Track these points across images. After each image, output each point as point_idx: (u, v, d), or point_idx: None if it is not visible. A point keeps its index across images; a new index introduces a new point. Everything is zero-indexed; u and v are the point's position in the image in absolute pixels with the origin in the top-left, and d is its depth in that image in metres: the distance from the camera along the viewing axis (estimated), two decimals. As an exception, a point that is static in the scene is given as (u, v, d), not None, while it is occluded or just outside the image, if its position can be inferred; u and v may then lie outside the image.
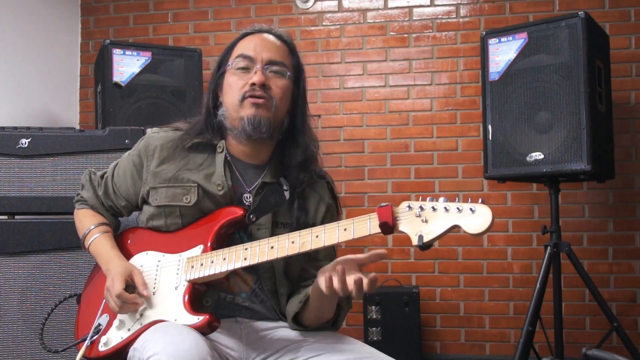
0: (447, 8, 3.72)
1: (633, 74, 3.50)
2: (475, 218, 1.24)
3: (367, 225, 1.33)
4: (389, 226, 1.29)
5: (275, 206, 1.56)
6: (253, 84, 1.53)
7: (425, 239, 1.26)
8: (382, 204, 1.31)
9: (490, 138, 2.89)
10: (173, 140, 1.63)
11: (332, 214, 1.68)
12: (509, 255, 3.55)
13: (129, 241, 1.67)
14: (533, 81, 2.80)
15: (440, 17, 3.72)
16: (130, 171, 1.66)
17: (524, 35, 2.83)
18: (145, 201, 1.64)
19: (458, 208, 1.25)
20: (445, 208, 1.26)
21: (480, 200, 1.26)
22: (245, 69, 1.57)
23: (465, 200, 1.28)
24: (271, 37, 1.61)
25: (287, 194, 1.59)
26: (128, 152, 1.72)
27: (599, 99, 2.80)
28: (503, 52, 2.88)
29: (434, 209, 1.27)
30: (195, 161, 1.60)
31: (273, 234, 1.55)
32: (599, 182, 3.08)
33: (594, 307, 2.98)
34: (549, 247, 2.78)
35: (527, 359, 2.72)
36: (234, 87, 1.57)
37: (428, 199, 1.30)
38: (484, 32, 2.97)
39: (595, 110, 2.73)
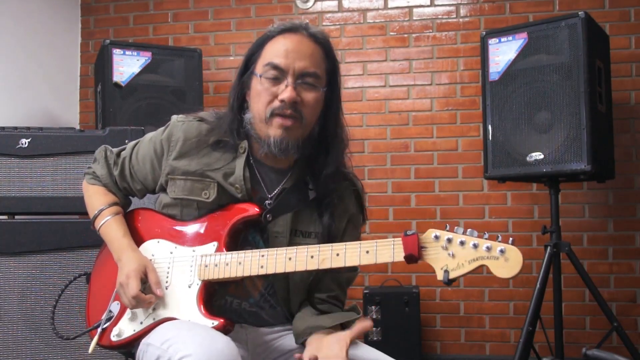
0: (447, 8, 3.72)
1: (633, 74, 3.49)
2: (505, 262, 1.22)
3: (390, 251, 1.30)
4: (414, 258, 1.27)
5: (296, 206, 1.51)
6: (282, 101, 1.43)
7: (452, 276, 1.24)
8: (409, 232, 1.28)
9: (490, 138, 2.89)
10: (198, 133, 1.55)
11: (355, 225, 1.60)
12: (509, 255, 3.54)
13: (140, 224, 1.63)
14: (533, 81, 2.80)
15: (440, 17, 3.72)
16: (150, 157, 1.60)
17: (524, 35, 2.83)
18: (163, 189, 1.59)
19: (487, 247, 1.23)
20: (474, 244, 1.23)
21: (510, 241, 1.23)
22: (276, 79, 1.45)
23: (494, 239, 1.24)
24: (305, 40, 1.49)
25: (311, 194, 1.53)
26: (150, 135, 1.64)
27: (599, 99, 2.80)
28: (503, 52, 2.88)
29: (462, 243, 1.24)
30: (218, 162, 1.53)
31: (291, 242, 1.50)
32: (599, 182, 3.08)
33: (594, 307, 2.98)
34: (549, 247, 2.78)
35: (527, 359, 2.72)
36: (262, 97, 1.46)
37: (455, 228, 1.26)
38: (484, 32, 2.97)
39: (595, 110, 2.73)
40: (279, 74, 1.45)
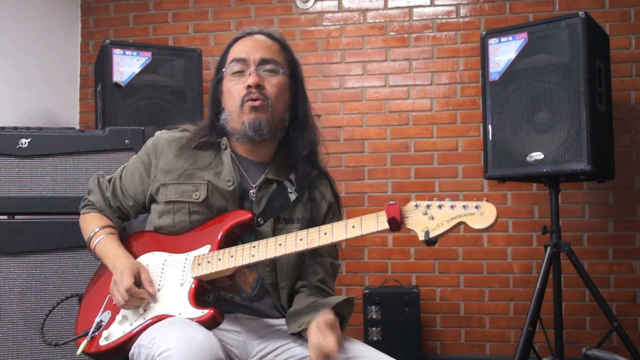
0: (447, 8, 3.72)
1: (633, 74, 3.49)
2: (480, 215, 1.30)
3: (375, 222, 1.37)
4: (396, 222, 1.34)
5: (280, 210, 1.60)
6: (249, 87, 1.57)
7: (432, 235, 1.31)
8: (390, 202, 1.36)
9: (490, 138, 2.89)
10: (181, 139, 1.66)
11: (334, 212, 1.70)
12: (509, 255, 3.55)
13: (134, 243, 1.68)
14: (533, 81, 2.80)
15: (440, 17, 3.72)
16: (138, 170, 1.69)
17: (524, 35, 2.83)
18: (153, 200, 1.66)
19: (464, 206, 1.31)
20: (452, 206, 1.32)
21: (484, 199, 1.32)
22: (240, 72, 1.61)
23: (469, 200, 1.33)
24: (261, 37, 1.65)
25: (292, 196, 1.62)
26: (135, 154, 1.75)
27: (599, 99, 2.80)
28: (503, 52, 2.88)
29: (440, 207, 1.33)
30: (204, 160, 1.63)
31: (275, 227, 1.59)
32: (599, 182, 3.08)
33: (594, 307, 2.98)
34: (549, 247, 2.78)
35: (527, 359, 2.72)
36: (233, 92, 1.61)
37: (435, 199, 1.35)
38: (484, 32, 2.97)
39: (595, 110, 2.73)
40: (242, 66, 1.61)
